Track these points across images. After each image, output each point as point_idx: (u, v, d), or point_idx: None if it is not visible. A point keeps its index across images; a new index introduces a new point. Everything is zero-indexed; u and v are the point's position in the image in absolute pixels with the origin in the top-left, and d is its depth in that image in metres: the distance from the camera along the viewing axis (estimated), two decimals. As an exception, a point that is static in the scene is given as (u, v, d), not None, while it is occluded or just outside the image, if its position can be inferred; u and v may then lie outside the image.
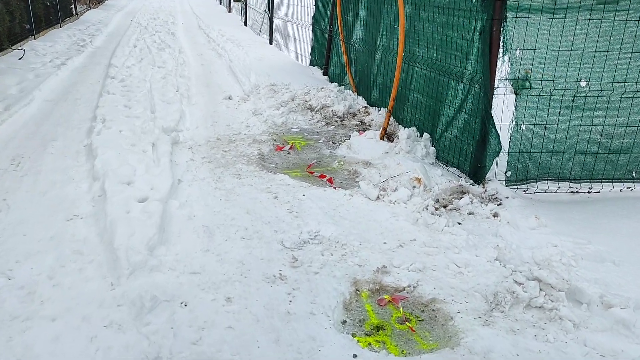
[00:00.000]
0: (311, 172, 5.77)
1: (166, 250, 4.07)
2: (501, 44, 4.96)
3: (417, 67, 6.37)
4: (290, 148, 6.47)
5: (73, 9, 18.89)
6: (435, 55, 6.02)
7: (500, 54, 4.98)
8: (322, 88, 8.21)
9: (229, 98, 8.53)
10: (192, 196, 5.03)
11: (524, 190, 5.25)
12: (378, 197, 5.06)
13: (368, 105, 7.85)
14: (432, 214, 4.69)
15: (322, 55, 10.29)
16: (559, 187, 5.29)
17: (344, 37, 8.69)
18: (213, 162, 5.89)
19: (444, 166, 5.86)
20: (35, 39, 13.20)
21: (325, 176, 5.63)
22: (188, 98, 8.45)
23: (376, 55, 7.52)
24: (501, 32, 4.93)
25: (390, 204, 4.93)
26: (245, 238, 4.30)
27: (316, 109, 7.74)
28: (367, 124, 7.34)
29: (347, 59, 8.65)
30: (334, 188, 5.34)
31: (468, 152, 5.50)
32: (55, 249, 4.07)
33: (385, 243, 4.29)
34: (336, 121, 7.50)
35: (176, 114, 7.37)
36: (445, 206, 5.01)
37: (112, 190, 4.86)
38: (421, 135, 6.27)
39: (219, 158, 6.04)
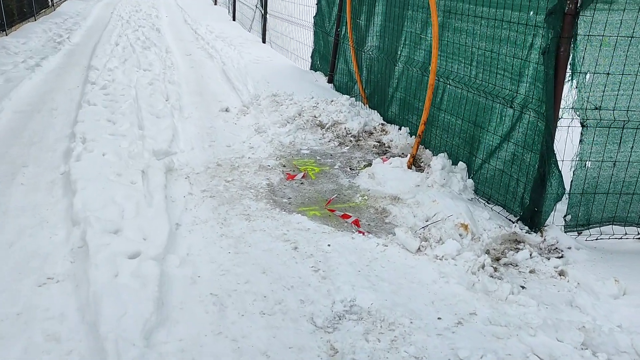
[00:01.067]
0: (332, 210, 4.90)
1: (167, 335, 3.18)
2: (568, 67, 4.13)
3: (450, 85, 5.53)
4: (303, 176, 5.59)
5: None
6: (474, 72, 5.17)
7: (568, 78, 4.15)
8: (332, 101, 7.33)
9: (226, 110, 7.60)
10: (194, 247, 4.13)
11: (586, 238, 4.45)
12: (419, 248, 4.22)
13: (385, 122, 6.98)
14: (491, 275, 3.86)
15: (326, 60, 9.39)
16: (625, 234, 4.50)
17: (354, 42, 7.81)
18: (216, 197, 4.99)
19: (485, 203, 5.03)
20: (6, 35, 12.07)
21: (350, 216, 4.77)
22: (180, 110, 7.50)
23: (396, 67, 6.65)
24: (570, 53, 4.09)
25: (435, 259, 4.08)
26: (265, 313, 3.43)
27: (327, 126, 6.85)
28: (386, 145, 6.48)
29: (357, 68, 7.77)
30: (363, 234, 4.48)
31: (517, 190, 4.67)
32: (23, 333, 3.16)
33: (440, 319, 3.45)
34: (350, 141, 6.62)
35: (168, 131, 6.43)
36: (498, 259, 4.19)
37: (95, 243, 3.94)
38: (454, 164, 5.44)
39: (222, 191, 5.13)
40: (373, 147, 6.46)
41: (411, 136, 6.39)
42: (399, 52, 6.57)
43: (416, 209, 4.88)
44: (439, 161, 5.22)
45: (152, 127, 6.54)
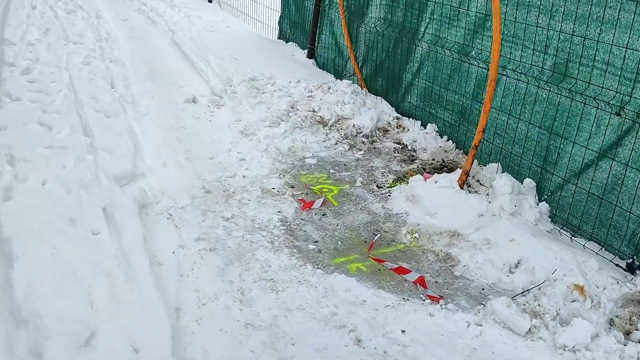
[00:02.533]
0: (379, 260, 3.61)
1: None
2: None
3: (510, 77, 4.26)
4: (323, 203, 4.23)
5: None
6: (549, 63, 3.92)
7: None
8: (329, 88, 5.89)
9: (193, 101, 6.00)
10: (215, 356, 2.74)
11: None
12: (529, 329, 3.01)
13: (399, 115, 5.65)
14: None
15: (300, 29, 7.86)
16: None
17: (346, 11, 6.33)
18: (218, 251, 3.55)
19: (570, 236, 3.88)
20: None
21: (406, 270, 3.49)
22: (133, 103, 5.82)
23: (417, 48, 5.28)
24: None
25: (562, 350, 2.88)
26: None
27: (330, 123, 5.45)
28: (410, 148, 5.19)
29: (350, 43, 6.33)
30: (437, 301, 3.23)
31: (625, 225, 3.53)
32: None
33: None
34: (363, 142, 5.27)
35: (125, 139, 4.82)
36: (628, 333, 3.07)
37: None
38: (518, 180, 4.23)
39: (223, 237, 3.70)
40: (394, 152, 5.14)
41: (441, 137, 5.11)
42: (422, 29, 5.20)
43: (489, 252, 3.67)
44: (506, 181, 3.99)
45: (102, 133, 4.90)
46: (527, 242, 3.64)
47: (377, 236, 3.83)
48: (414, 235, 3.93)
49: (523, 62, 4.15)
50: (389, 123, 5.54)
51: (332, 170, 4.79)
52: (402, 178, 4.65)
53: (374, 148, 5.22)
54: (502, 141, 4.43)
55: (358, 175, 4.71)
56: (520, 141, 4.26)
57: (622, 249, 3.59)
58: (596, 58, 3.61)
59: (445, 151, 4.99)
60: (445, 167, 4.83)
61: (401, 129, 5.47)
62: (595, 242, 3.76)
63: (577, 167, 3.82)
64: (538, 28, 3.99)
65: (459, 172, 4.30)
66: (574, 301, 3.18)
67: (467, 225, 3.91)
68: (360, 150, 5.16)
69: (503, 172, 4.38)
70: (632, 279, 3.40)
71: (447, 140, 5.04)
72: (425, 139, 5.17)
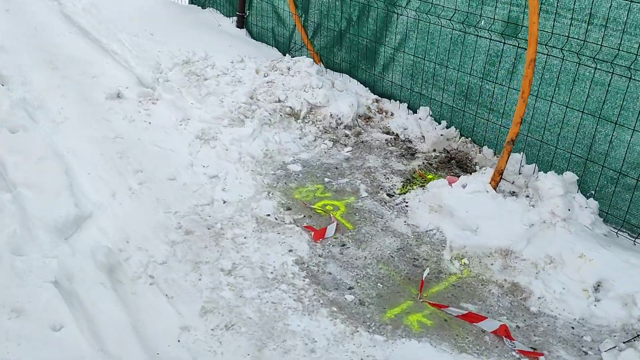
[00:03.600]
0: (437, 306, 2.86)
1: None
2: None
3: (556, 57, 3.58)
4: (337, 229, 3.37)
5: None
6: (595, 36, 3.28)
7: None
8: (290, 69, 4.89)
9: (118, 96, 4.74)
10: None
11: None
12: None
13: (378, 97, 4.83)
14: None
15: (222, -8, 6.66)
16: None
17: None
18: (237, 328, 2.61)
19: (633, 239, 3.37)
20: None
21: (478, 317, 2.78)
22: (41, 107, 4.45)
23: (399, 16, 4.43)
24: None
25: None
26: None
27: (302, 114, 4.51)
28: (403, 138, 4.42)
29: (295, 8, 5.35)
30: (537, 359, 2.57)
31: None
32: None
33: None
34: (346, 135, 4.42)
35: (51, 165, 3.58)
36: None
37: None
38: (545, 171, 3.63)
39: (237, 304, 2.75)
40: (387, 144, 4.35)
41: (439, 122, 4.38)
42: (405, -6, 4.35)
43: (558, 273, 3.06)
44: (555, 182, 3.36)
45: (14, 159, 3.61)
46: (600, 256, 3.06)
47: (426, 272, 3.05)
48: (462, 261, 3.21)
49: (557, 34, 3.48)
50: (369, 108, 4.71)
51: (325, 179, 3.91)
52: (411, 180, 3.90)
53: (362, 142, 4.38)
54: (528, 128, 3.78)
55: (358, 182, 3.88)
56: (554, 128, 3.64)
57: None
58: (665, 31, 3.01)
59: (448, 139, 4.28)
60: (453, 160, 4.13)
61: (384, 114, 4.66)
62: (661, 243, 3.27)
63: (638, 157, 3.27)
64: (579, -6, 3.32)
65: (489, 172, 3.61)
66: (689, 334, 2.65)
67: (518, 240, 3.26)
68: (347, 146, 4.31)
69: (528, 163, 3.78)
70: None
71: (448, 126, 4.32)
72: (419, 125, 4.42)
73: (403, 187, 3.84)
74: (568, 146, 3.59)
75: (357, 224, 3.47)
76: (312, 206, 3.58)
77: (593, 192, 3.52)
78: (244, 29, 6.36)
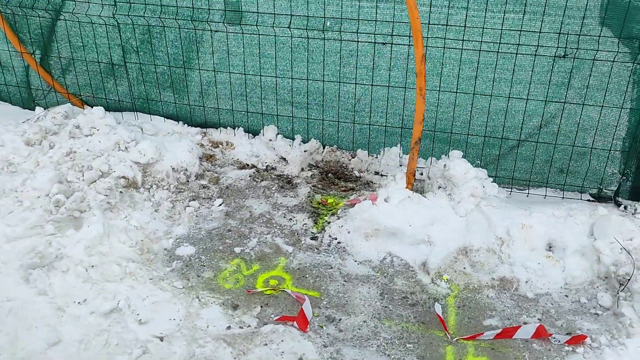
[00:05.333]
0: (472, 338, 2.68)
1: None
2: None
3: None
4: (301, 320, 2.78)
5: None
6: (458, 18, 3.36)
7: None
8: (79, 127, 3.66)
9: None
10: None
11: None
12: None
13: (202, 130, 4.05)
14: None
15: None
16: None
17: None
18: None
19: (519, 191, 3.70)
20: None
21: (513, 330, 2.69)
22: None
23: (213, 32, 3.71)
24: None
25: None
26: None
27: (139, 180, 3.49)
28: (262, 167, 3.86)
29: (20, 43, 4.07)
30: (582, 341, 2.66)
31: (578, 161, 3.57)
32: None
33: None
34: (203, 186, 3.63)
35: None
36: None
37: None
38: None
39: None
40: (253, 180, 3.72)
41: (294, 139, 3.95)
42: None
43: (517, 252, 3.16)
44: (466, 165, 3.40)
45: None
46: (533, 220, 3.26)
47: (439, 309, 2.77)
48: (444, 278, 3.03)
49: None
50: (202, 144, 3.94)
51: (235, 249, 3.16)
52: (318, 213, 3.46)
53: (226, 188, 3.65)
54: (402, 120, 3.71)
55: (269, 237, 3.26)
56: (429, 113, 3.65)
57: (585, 184, 3.62)
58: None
59: (311, 154, 3.91)
60: (329, 173, 3.81)
61: (221, 146, 3.97)
62: (545, 188, 3.68)
63: (515, 121, 3.55)
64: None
65: (400, 177, 3.44)
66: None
67: (465, 233, 3.24)
68: (213, 200, 3.54)
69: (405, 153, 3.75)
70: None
71: (305, 140, 3.94)
72: (273, 147, 3.91)
73: (316, 223, 3.38)
74: (446, 127, 3.66)
75: (318, 287, 2.93)
76: (259, 290, 2.86)
77: (479, 162, 3.71)
78: None
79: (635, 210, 3.44)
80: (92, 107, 4.05)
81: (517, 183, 3.72)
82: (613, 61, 3.20)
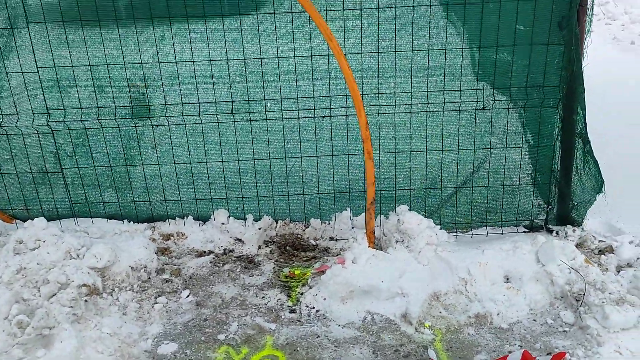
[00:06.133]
0: (470, 372, 2.83)
1: None
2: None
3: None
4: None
5: None
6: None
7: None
8: (23, 243, 3.47)
9: None
10: None
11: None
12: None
13: (151, 224, 3.98)
14: None
15: None
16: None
17: None
18: None
19: (462, 234, 4.01)
20: None
21: (519, 358, 2.89)
22: None
23: (154, 127, 3.74)
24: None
25: None
26: None
27: (99, 286, 3.35)
28: (220, 252, 3.85)
29: None
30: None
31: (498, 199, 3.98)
32: None
33: None
34: (166, 280, 3.55)
35: None
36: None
37: None
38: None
39: None
40: (215, 266, 3.70)
41: (246, 219, 4.00)
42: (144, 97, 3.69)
43: (480, 288, 3.41)
44: (418, 217, 3.65)
45: None
46: (485, 257, 3.54)
47: (434, 355, 2.89)
48: (426, 325, 3.17)
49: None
50: (154, 239, 3.87)
51: (218, 336, 3.09)
52: (289, 287, 3.51)
53: (190, 278, 3.59)
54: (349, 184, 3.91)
55: (249, 318, 3.24)
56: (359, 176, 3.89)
57: (518, 218, 4.00)
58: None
59: (265, 230, 3.98)
60: (287, 246, 3.89)
61: (173, 238, 3.92)
62: (485, 227, 4.03)
63: (449, 171, 3.89)
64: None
65: (361, 237, 3.60)
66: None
67: (431, 280, 3.44)
68: (179, 292, 3.47)
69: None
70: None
71: (257, 218, 4.00)
72: (227, 230, 3.93)
73: (290, 296, 3.42)
74: (389, 185, 3.92)
75: (312, 357, 2.95)
76: (257, 375, 2.83)
77: (423, 212, 3.98)
78: None
79: (567, 233, 3.87)
80: (24, 220, 3.87)
81: (460, 226, 4.03)
82: (508, 108, 3.67)
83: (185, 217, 4.00)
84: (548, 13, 3.43)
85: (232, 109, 3.70)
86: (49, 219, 3.80)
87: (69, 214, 3.97)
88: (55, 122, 3.68)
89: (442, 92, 3.66)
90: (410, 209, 3.80)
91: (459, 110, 3.70)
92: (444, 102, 3.67)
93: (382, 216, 3.94)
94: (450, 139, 3.79)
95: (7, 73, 3.53)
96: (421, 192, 3.94)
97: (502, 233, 3.97)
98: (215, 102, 3.69)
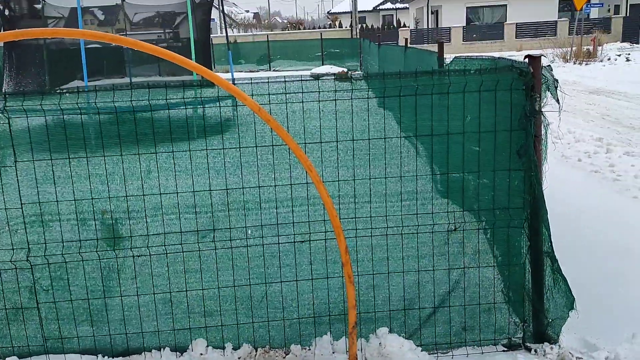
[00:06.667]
0: None
1: None
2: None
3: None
4: None
5: None
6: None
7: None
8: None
9: None
10: None
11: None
12: None
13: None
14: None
15: None
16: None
17: None
18: None
19: (444, 354, 4.04)
20: None
21: None
22: None
23: (135, 257, 3.75)
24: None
25: None
26: None
27: None
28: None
29: None
30: None
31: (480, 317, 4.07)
32: None
33: None
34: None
35: None
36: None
37: None
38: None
39: None
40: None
41: (224, 348, 3.93)
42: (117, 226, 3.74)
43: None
44: (400, 340, 3.68)
45: None
46: (470, 379, 3.58)
47: None
48: None
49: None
50: (130, 374, 3.73)
51: None
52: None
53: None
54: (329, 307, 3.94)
55: None
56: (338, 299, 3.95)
57: (496, 337, 4.07)
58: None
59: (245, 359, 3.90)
60: (269, 376, 3.81)
61: (150, 371, 3.80)
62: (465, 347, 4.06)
63: (420, 290, 3.98)
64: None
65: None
66: None
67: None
68: None
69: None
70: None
71: (236, 347, 3.94)
72: (206, 362, 3.84)
73: None
74: (369, 307, 3.97)
75: None
76: None
77: (403, 334, 4.00)
78: None
79: (545, 351, 3.94)
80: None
81: (440, 347, 4.04)
82: (478, 229, 3.88)
83: (162, 349, 3.91)
84: (507, 143, 3.75)
85: (213, 236, 3.78)
86: (20, 357, 3.66)
87: (42, 350, 3.83)
88: (34, 256, 3.66)
89: (415, 215, 3.85)
90: (390, 331, 3.84)
91: (432, 232, 3.88)
92: (418, 225, 3.84)
93: (363, 339, 3.94)
94: (425, 259, 3.93)
95: (-11, 210, 3.57)
96: (400, 313, 3.99)
97: (482, 353, 4.00)
98: (197, 230, 3.77)
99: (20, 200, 3.56)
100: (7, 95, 3.48)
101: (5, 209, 3.55)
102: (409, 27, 47.47)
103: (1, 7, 13.33)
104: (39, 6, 14.51)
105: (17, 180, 3.52)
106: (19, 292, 3.75)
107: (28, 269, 3.69)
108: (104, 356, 3.88)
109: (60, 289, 3.78)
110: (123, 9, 16.82)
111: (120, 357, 3.88)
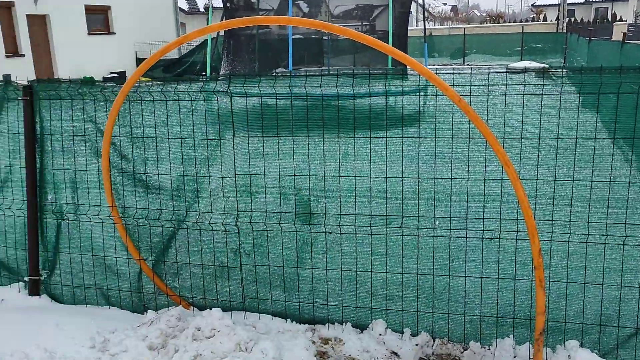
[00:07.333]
0: None
1: None
2: None
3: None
4: None
5: None
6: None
7: None
8: (201, 330, 3.79)
9: None
10: None
11: None
12: None
13: (312, 326, 4.15)
14: None
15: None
16: None
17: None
18: None
19: None
20: None
21: None
22: None
23: (328, 234, 4.01)
24: None
25: None
26: None
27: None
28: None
29: (136, 250, 4.35)
30: None
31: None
32: None
33: None
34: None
35: None
36: None
37: None
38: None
39: None
40: (374, 378, 3.71)
41: (403, 333, 4.01)
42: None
43: None
44: (587, 357, 3.41)
45: None
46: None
47: None
48: None
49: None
50: (313, 342, 4.00)
51: None
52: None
53: (346, 386, 3.64)
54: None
55: None
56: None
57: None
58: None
59: (422, 347, 3.93)
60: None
61: (331, 343, 4.02)
62: None
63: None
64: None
65: (526, 368, 3.43)
66: None
67: None
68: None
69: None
70: None
71: (414, 333, 3.99)
72: (383, 342, 3.95)
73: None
74: (558, 316, 3.74)
75: None
76: None
77: (596, 351, 3.70)
78: (41, 295, 4.73)
79: None
80: (200, 309, 4.24)
81: None
82: None
83: (344, 323, 4.11)
84: None
85: (401, 223, 3.85)
86: (223, 310, 4.13)
87: (240, 306, 4.27)
88: (241, 222, 4.09)
89: (623, 225, 3.52)
90: (581, 345, 3.58)
91: (643, 246, 3.51)
92: (625, 236, 3.51)
93: (549, 349, 3.73)
94: (630, 275, 3.58)
95: (209, 177, 4.07)
96: (594, 328, 3.69)
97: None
98: (387, 215, 3.88)
99: (235, 170, 4.00)
100: (231, 77, 3.92)
101: (222, 177, 4.01)
102: (625, 21, 42.68)
103: (224, 0, 14.91)
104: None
105: (234, 152, 3.95)
106: (226, 253, 4.22)
107: (235, 232, 4.13)
108: (292, 320, 4.19)
109: (260, 254, 4.17)
110: (327, 1, 17.70)
111: (307, 325, 4.17)
